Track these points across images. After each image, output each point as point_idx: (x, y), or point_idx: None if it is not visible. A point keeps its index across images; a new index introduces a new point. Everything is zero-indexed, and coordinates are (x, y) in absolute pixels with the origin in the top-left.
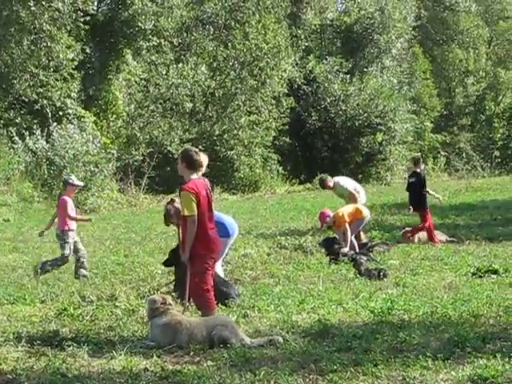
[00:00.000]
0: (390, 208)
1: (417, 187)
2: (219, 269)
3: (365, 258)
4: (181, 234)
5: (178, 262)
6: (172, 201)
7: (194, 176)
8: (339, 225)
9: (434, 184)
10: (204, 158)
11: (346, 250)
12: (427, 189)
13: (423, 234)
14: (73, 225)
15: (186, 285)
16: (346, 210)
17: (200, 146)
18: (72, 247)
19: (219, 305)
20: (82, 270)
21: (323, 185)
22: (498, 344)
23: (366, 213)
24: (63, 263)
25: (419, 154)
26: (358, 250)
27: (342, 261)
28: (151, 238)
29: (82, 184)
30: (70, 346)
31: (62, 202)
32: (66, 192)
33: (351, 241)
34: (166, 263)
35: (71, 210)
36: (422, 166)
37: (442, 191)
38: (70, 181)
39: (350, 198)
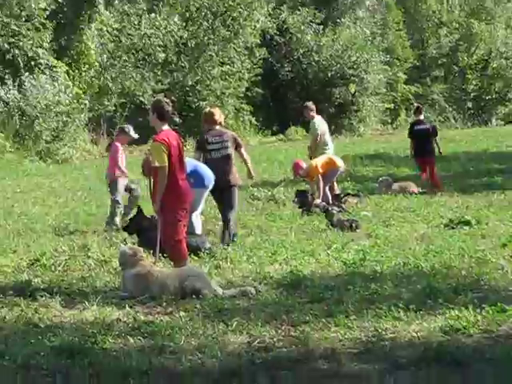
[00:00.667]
0: (362, 159)
1: (426, 134)
2: (197, 221)
3: (337, 209)
4: (151, 185)
5: (138, 230)
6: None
7: (166, 127)
8: (312, 175)
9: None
10: (218, 113)
11: (318, 201)
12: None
13: (404, 184)
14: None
15: (155, 239)
16: (320, 160)
17: (172, 97)
18: (122, 190)
19: (191, 256)
20: (116, 218)
21: (305, 111)
22: (470, 295)
23: (340, 163)
24: (118, 208)
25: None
26: (331, 202)
27: (315, 212)
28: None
29: (136, 136)
30: (42, 296)
31: (114, 148)
32: (119, 139)
33: (325, 192)
34: (127, 230)
35: (120, 159)
36: (422, 116)
37: None
38: (126, 129)
39: (312, 142)
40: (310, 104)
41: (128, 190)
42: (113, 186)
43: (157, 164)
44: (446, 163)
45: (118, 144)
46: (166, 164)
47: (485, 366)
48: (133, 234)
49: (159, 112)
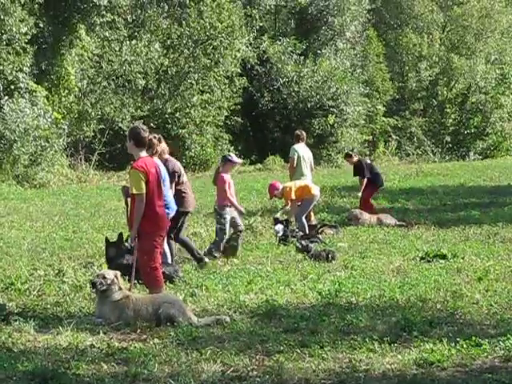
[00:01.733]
0: (339, 190)
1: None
2: (167, 249)
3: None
4: (129, 212)
5: (107, 259)
6: None
7: (144, 154)
8: (286, 198)
9: (384, 168)
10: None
11: (279, 227)
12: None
13: (374, 217)
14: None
15: (124, 266)
16: (296, 184)
17: (151, 124)
18: (229, 222)
19: (167, 283)
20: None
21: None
22: (445, 328)
23: (316, 192)
24: (222, 238)
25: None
26: (307, 232)
27: (291, 242)
28: (100, 214)
29: (240, 161)
30: (16, 320)
31: (221, 179)
32: (224, 169)
33: (302, 222)
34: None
35: (229, 189)
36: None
37: (393, 175)
38: (229, 157)
39: (290, 164)
40: (297, 131)
41: (232, 225)
42: (221, 215)
43: (134, 191)
44: (424, 197)
45: (224, 174)
46: (144, 192)
47: None
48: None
49: (136, 139)
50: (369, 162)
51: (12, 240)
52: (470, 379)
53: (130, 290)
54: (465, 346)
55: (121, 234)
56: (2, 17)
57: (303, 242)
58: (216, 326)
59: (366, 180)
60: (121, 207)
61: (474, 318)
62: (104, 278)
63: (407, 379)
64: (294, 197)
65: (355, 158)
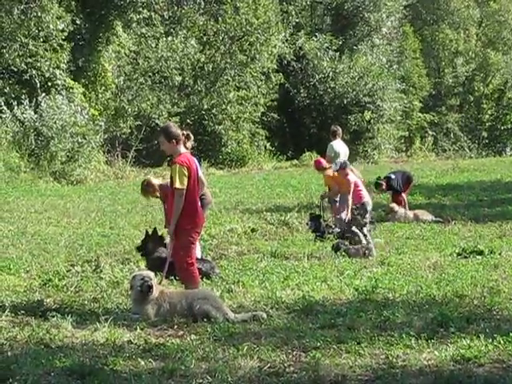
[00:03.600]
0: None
1: None
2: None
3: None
4: (167, 207)
5: (145, 248)
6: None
7: (183, 149)
8: (341, 187)
9: (420, 163)
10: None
11: (336, 229)
12: None
13: (410, 213)
14: (366, 197)
15: (164, 263)
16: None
17: (188, 120)
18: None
19: (204, 279)
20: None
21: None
22: (482, 325)
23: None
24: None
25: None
26: (345, 227)
27: (328, 238)
28: (137, 211)
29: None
30: (53, 316)
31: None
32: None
33: (340, 218)
34: (139, 249)
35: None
36: None
37: (429, 171)
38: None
39: (327, 161)
40: (332, 127)
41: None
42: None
43: (178, 186)
44: (460, 192)
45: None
46: (185, 187)
47: None
48: (143, 256)
49: (174, 136)
50: (393, 176)
51: (49, 236)
52: (508, 375)
53: (160, 283)
54: (502, 342)
55: (155, 229)
56: (40, 14)
57: (340, 241)
58: (253, 322)
59: (403, 195)
60: (156, 203)
61: None
62: (151, 279)
63: (444, 375)
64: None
65: (384, 185)
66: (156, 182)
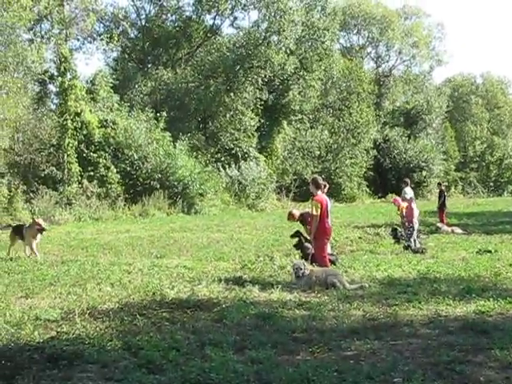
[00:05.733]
0: (428, 213)
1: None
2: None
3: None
4: (308, 227)
5: (300, 246)
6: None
7: (319, 192)
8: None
9: (454, 201)
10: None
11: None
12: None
13: (449, 228)
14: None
15: (307, 254)
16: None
17: (322, 176)
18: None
19: (332, 264)
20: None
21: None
22: (491, 293)
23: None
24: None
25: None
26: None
27: (401, 243)
28: (295, 226)
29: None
30: (248, 285)
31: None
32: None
33: (412, 225)
34: (292, 237)
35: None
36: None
37: (459, 205)
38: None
39: (402, 199)
40: (404, 179)
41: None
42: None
43: (314, 213)
44: (477, 217)
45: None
46: (319, 214)
47: (500, 333)
48: (298, 249)
49: (316, 183)
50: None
51: (245, 241)
52: (507, 321)
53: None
54: (503, 303)
55: (298, 231)
56: (241, 116)
57: (410, 243)
58: (360, 290)
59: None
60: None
61: (509, 287)
62: (302, 266)
63: (469, 321)
64: (404, 211)
65: (441, 186)
66: (296, 212)
